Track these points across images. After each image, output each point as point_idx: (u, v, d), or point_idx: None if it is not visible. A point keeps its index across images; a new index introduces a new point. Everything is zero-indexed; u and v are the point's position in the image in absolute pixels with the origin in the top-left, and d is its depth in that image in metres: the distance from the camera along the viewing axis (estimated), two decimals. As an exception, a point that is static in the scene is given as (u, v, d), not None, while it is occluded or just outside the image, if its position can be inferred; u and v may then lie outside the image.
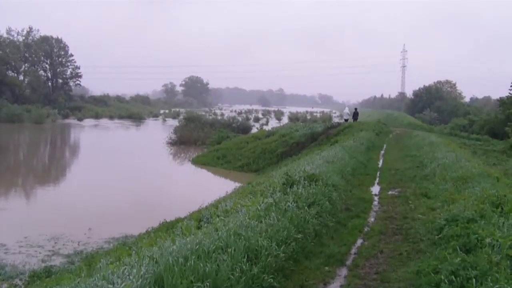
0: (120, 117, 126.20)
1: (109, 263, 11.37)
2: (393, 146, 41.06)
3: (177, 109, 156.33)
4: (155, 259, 8.69)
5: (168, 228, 16.92)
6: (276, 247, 10.16)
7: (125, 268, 8.50)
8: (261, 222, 11.28)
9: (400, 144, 42.49)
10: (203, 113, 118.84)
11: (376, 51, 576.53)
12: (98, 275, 8.75)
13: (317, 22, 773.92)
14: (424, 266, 9.90)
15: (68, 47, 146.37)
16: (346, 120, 62.13)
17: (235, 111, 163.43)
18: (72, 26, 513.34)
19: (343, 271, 10.51)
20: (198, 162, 48.35)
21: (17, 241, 20.40)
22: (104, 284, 7.74)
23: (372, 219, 15.26)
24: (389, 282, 9.72)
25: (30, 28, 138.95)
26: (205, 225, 13.08)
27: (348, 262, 11.06)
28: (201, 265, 8.25)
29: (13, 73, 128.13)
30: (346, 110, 69.01)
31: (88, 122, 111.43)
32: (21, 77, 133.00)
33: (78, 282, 8.99)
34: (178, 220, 18.52)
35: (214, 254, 8.96)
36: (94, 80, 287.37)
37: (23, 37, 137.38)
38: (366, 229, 14.04)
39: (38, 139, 78.41)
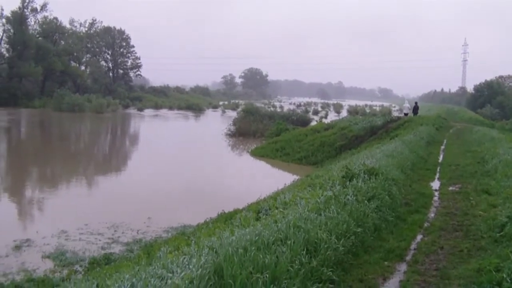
0: (180, 108, 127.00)
1: (168, 252, 11.45)
2: (454, 141, 40.37)
3: (236, 101, 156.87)
4: (214, 249, 8.69)
5: (226, 219, 16.93)
6: (336, 240, 10.06)
7: (184, 258, 8.55)
8: (320, 215, 11.21)
9: (461, 139, 41.75)
10: (262, 105, 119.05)
11: (436, 44, 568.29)
12: (158, 263, 8.84)
13: (376, 14, 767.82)
14: (485, 264, 9.68)
15: (130, 38, 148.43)
16: (405, 114, 61.28)
17: (294, 103, 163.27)
18: (132, 18, 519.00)
19: (403, 267, 10.38)
20: (257, 153, 48.35)
21: (77, 228, 20.74)
22: (164, 272, 7.79)
23: (432, 215, 14.99)
24: (449, 279, 9.54)
25: (94, 20, 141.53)
26: (264, 216, 13.05)
27: (408, 258, 10.91)
28: (261, 256, 8.20)
29: (75, 64, 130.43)
30: (406, 104, 68.12)
31: (148, 112, 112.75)
32: (83, 68, 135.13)
33: (138, 270, 9.09)
34: (236, 211, 18.53)
35: (273, 245, 8.92)
36: (154, 71, 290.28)
37: (86, 29, 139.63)
38: (426, 224, 13.80)
39: (98, 128, 79.63)
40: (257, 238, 9.15)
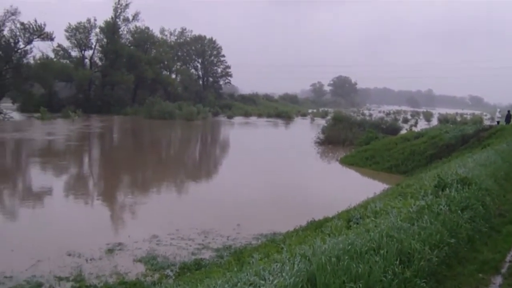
0: (269, 115, 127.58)
1: (259, 259, 11.48)
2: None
3: (325, 109, 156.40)
4: (307, 258, 8.66)
5: (316, 227, 16.86)
6: (429, 251, 9.84)
7: (276, 265, 8.55)
8: (413, 224, 11.00)
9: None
10: (351, 113, 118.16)
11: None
12: (250, 270, 8.85)
13: (465, 19, 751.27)
14: None
15: (221, 47, 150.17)
16: (498, 123, 59.84)
17: (383, 111, 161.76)
18: (222, 26, 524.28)
19: (498, 279, 10.03)
20: (346, 162, 47.97)
21: (168, 233, 21.07)
22: (256, 279, 7.80)
23: (529, 226, 14.52)
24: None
25: (183, 29, 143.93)
26: (355, 225, 12.94)
27: (503, 270, 10.52)
28: (354, 265, 8.10)
29: (166, 72, 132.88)
30: (498, 113, 66.61)
31: (238, 120, 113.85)
32: (174, 76, 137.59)
33: (231, 277, 9.14)
34: (326, 220, 18.47)
35: (366, 255, 8.77)
36: (243, 79, 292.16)
37: (175, 37, 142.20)
38: (522, 236, 13.38)
39: (189, 135, 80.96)
40: (349, 247, 9.04)
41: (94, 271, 16.23)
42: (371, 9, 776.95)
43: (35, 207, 26.89)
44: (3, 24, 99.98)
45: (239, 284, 7.83)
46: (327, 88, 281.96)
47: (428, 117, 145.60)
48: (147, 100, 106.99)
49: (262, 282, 7.60)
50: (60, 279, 15.44)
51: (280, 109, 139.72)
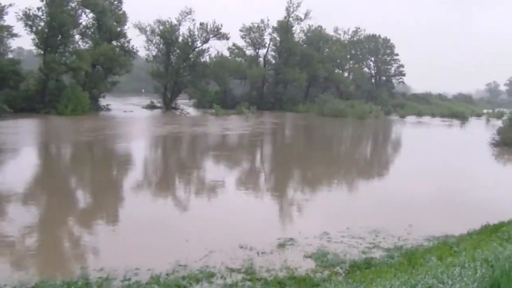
0: (442, 115, 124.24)
1: (430, 261, 11.21)
2: None
3: (501, 109, 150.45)
4: (490, 263, 8.31)
5: (491, 231, 16.28)
6: None
7: (454, 269, 8.28)
8: None
9: None
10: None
11: None
12: (429, 272, 8.62)
13: None
14: None
15: (394, 46, 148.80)
16: None
17: None
18: (394, 25, 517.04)
19: None
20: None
21: (339, 231, 20.98)
22: (435, 282, 7.58)
23: None
24: None
25: (357, 28, 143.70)
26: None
27: None
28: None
29: (338, 70, 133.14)
30: None
31: (410, 119, 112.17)
32: (346, 74, 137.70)
33: (408, 278, 8.95)
34: (502, 224, 17.78)
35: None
36: (415, 78, 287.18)
37: (349, 36, 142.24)
38: None
39: (360, 133, 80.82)
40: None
41: (264, 265, 16.48)
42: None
43: (209, 199, 27.82)
44: (180, 24, 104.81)
45: (417, 287, 7.63)
46: (503, 88, 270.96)
47: None
48: (319, 98, 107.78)
49: (441, 286, 7.37)
50: (231, 270, 15.82)
51: (454, 109, 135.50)
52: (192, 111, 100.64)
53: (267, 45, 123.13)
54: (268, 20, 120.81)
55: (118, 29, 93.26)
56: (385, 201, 28.12)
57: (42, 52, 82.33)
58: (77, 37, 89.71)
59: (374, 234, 20.76)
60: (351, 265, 16.46)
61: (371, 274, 13.48)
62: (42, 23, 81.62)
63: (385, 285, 8.73)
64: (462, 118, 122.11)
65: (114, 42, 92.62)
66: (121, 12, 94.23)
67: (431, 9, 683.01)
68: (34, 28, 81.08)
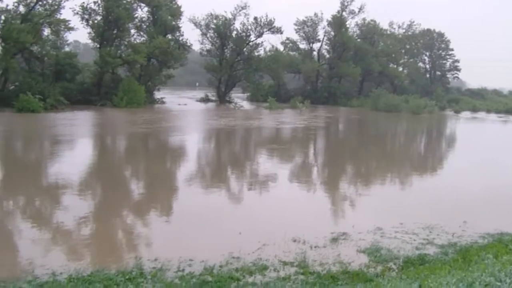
0: (497, 111, 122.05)
1: (485, 259, 11.12)
2: None
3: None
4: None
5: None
6: None
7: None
8: None
9: None
10: None
11: None
12: (486, 270, 8.56)
13: None
14: None
15: (449, 40, 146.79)
16: None
17: None
18: (448, 19, 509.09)
19: None
20: None
21: (392, 226, 20.85)
22: (492, 280, 7.54)
23: None
24: None
25: (411, 22, 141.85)
26: None
27: None
28: None
29: (393, 65, 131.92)
30: None
31: (465, 114, 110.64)
32: (401, 69, 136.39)
33: (464, 275, 8.90)
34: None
35: None
36: (470, 73, 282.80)
37: (403, 30, 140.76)
38: None
39: (414, 128, 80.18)
40: None
41: (317, 259, 16.48)
42: None
43: (262, 192, 28.05)
44: (235, 18, 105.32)
45: (474, 284, 7.60)
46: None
47: None
48: (373, 93, 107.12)
49: (498, 283, 7.32)
50: (284, 263, 15.86)
51: (510, 105, 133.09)
52: (245, 105, 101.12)
53: (321, 39, 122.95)
54: (322, 14, 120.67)
55: (173, 23, 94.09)
56: (438, 197, 27.82)
57: (98, 46, 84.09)
58: (132, 30, 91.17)
59: (428, 230, 20.57)
60: (404, 261, 16.36)
61: (425, 271, 13.44)
62: (98, 17, 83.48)
63: (440, 282, 8.68)
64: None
65: (169, 36, 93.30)
66: (175, 6, 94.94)
67: (488, 2, 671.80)
68: (90, 22, 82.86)
